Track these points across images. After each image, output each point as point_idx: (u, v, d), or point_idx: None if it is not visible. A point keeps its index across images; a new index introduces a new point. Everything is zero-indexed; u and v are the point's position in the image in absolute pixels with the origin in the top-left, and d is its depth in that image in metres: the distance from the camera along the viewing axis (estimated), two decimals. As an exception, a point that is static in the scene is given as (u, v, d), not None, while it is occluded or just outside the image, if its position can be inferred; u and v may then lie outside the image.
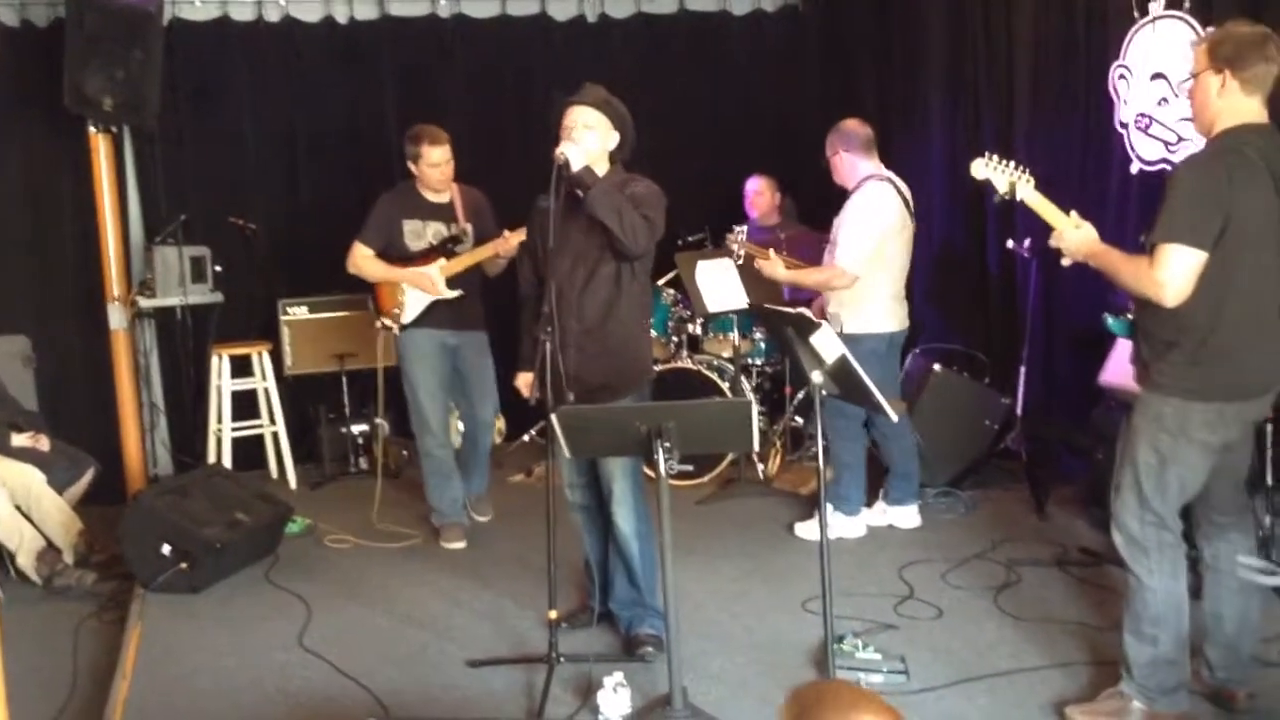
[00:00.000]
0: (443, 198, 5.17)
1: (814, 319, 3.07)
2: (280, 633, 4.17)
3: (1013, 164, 3.42)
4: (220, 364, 6.16)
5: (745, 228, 5.37)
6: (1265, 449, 3.82)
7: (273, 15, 6.74)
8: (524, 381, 4.00)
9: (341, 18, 6.87)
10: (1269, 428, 3.80)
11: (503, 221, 5.12)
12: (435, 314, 5.10)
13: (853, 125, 4.89)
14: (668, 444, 3.09)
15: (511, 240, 4.85)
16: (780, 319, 3.27)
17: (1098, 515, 4.83)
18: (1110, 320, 3.80)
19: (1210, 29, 4.02)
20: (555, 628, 3.65)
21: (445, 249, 5.09)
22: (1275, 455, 3.86)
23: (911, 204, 4.95)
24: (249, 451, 6.38)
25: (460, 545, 5.16)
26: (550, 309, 3.53)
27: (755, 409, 3.06)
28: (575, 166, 3.57)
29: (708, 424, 3.16)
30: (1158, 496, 3.01)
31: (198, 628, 4.24)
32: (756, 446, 3.23)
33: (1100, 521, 4.78)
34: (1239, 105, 2.95)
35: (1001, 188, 3.39)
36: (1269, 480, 3.89)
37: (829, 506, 4.96)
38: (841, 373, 3.06)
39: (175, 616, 4.34)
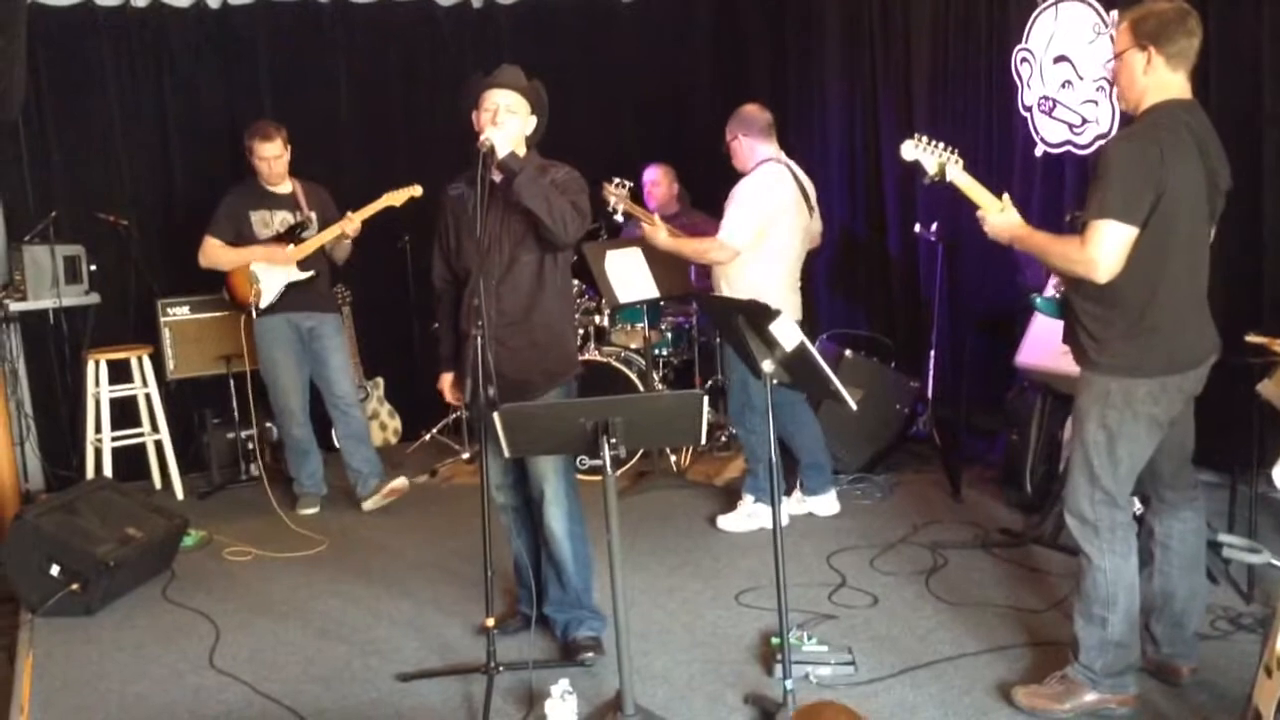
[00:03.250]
0: (284, 189, 5.47)
1: (770, 307, 2.98)
2: (188, 654, 3.91)
3: (942, 145, 3.38)
4: (97, 369, 5.77)
5: (628, 183, 5.22)
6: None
7: (140, 0, 6.35)
8: (447, 383, 3.81)
9: (214, 2, 6.53)
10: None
11: (381, 213, 5.36)
12: (289, 298, 5.37)
13: (752, 110, 4.84)
14: (614, 440, 2.98)
15: (355, 220, 5.26)
16: (730, 307, 3.17)
17: (1014, 496, 4.91)
18: (1038, 300, 3.80)
19: (1115, 15, 4.10)
20: (492, 635, 3.48)
21: (293, 235, 5.37)
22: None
23: (810, 194, 4.91)
24: (130, 462, 6.02)
25: (313, 511, 5.51)
26: (480, 302, 3.36)
27: (705, 401, 2.96)
28: (501, 153, 3.42)
29: (657, 418, 3.05)
30: (1108, 473, 3.02)
31: (97, 654, 3.95)
32: (704, 439, 3.12)
33: (1016, 502, 4.87)
34: (1165, 81, 2.97)
35: (931, 169, 3.35)
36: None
37: (748, 497, 4.95)
38: (798, 360, 2.98)
39: (70, 642, 4.03)
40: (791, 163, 4.89)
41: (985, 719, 3.18)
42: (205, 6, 6.51)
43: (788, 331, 2.92)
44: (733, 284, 4.73)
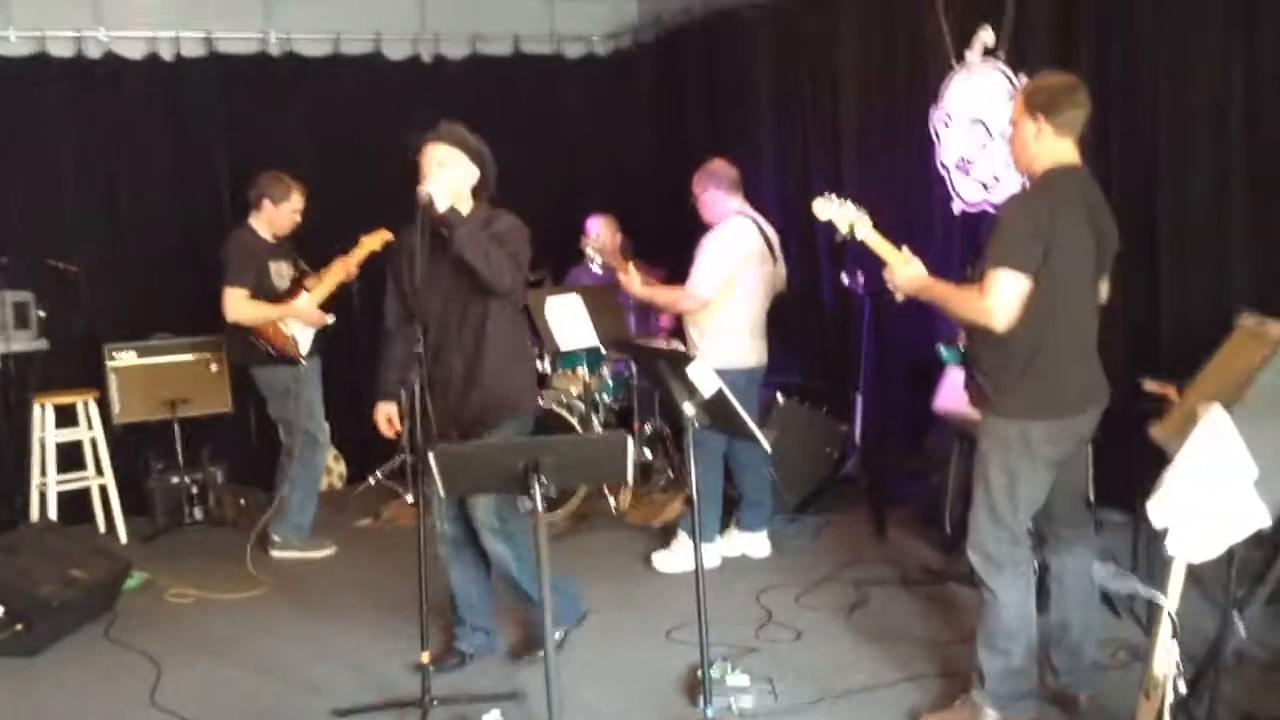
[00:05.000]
0: (275, 238, 5.56)
1: (687, 353, 3.18)
2: (129, 692, 4.00)
3: (851, 204, 3.58)
4: (44, 413, 5.84)
5: (603, 234, 5.43)
6: (1087, 466, 4.14)
7: (94, 51, 6.49)
8: (383, 414, 3.96)
9: (167, 54, 6.67)
10: (1088, 447, 4.11)
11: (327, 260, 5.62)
12: (317, 341, 5.56)
13: (719, 165, 5.09)
14: (544, 479, 3.14)
15: (352, 262, 5.48)
16: (653, 354, 3.37)
17: (935, 535, 5.11)
18: (943, 350, 4.03)
19: (1024, 80, 4.38)
20: (427, 670, 3.61)
21: (300, 284, 5.50)
22: (1096, 472, 4.18)
23: (774, 244, 5.15)
24: (75, 506, 6.05)
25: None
26: (422, 350, 3.53)
27: (630, 441, 3.13)
28: (440, 207, 3.60)
29: (584, 457, 3.22)
30: (1010, 514, 3.23)
31: (39, 692, 4.03)
32: (631, 478, 3.29)
33: (938, 541, 5.07)
34: (1054, 148, 3.22)
35: (842, 228, 3.55)
36: (1091, 496, 4.20)
37: (682, 534, 5.11)
38: (716, 404, 3.18)
39: (12, 681, 4.12)
40: (757, 215, 5.12)
41: (895, 744, 3.36)
42: (158, 58, 6.65)
43: (704, 377, 3.11)
44: (702, 330, 4.96)
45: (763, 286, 5.04)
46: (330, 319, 5.58)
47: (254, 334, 5.39)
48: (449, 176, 3.72)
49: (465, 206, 3.74)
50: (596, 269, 5.18)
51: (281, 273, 5.51)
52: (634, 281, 5.09)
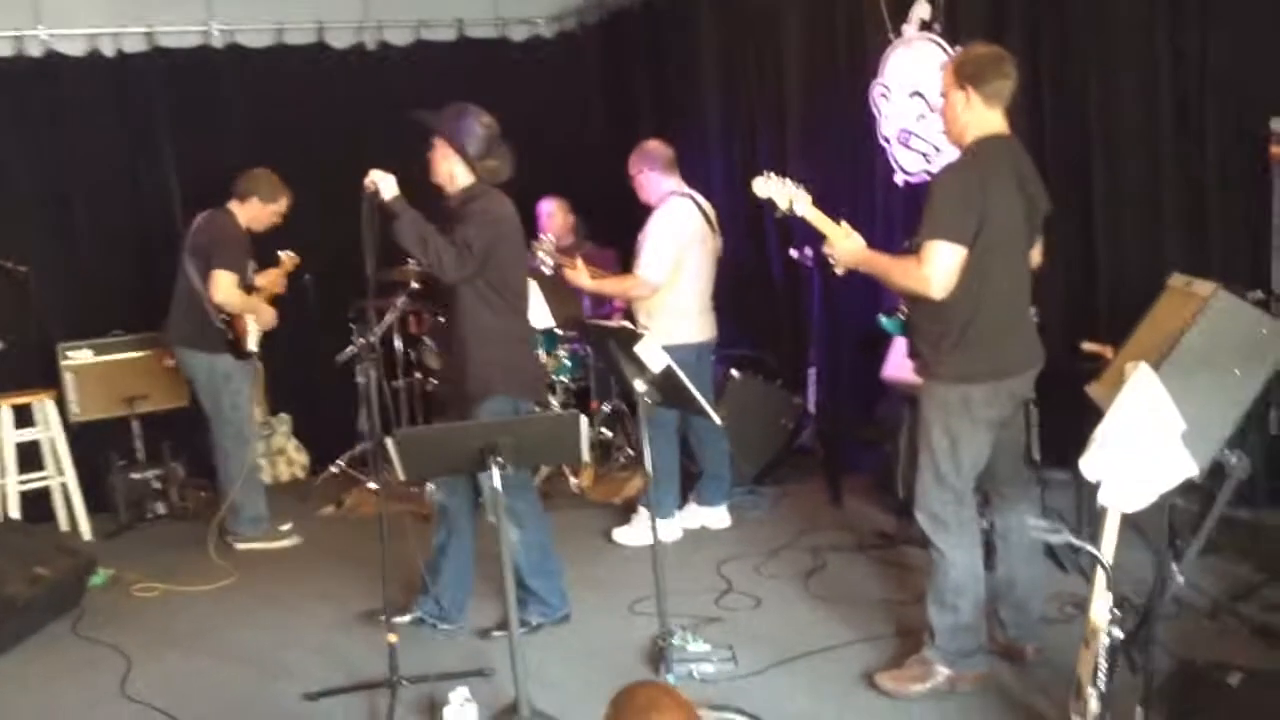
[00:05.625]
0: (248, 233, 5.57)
1: (636, 331, 3.25)
2: (99, 686, 4.04)
3: (789, 181, 3.66)
4: (0, 415, 5.83)
5: (553, 236, 5.48)
6: (1029, 427, 4.26)
7: (34, 50, 6.45)
8: None
9: (108, 50, 6.65)
10: (1032, 407, 4.24)
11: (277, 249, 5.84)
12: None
13: (655, 145, 5.14)
14: (500, 460, 3.21)
15: (286, 263, 5.75)
16: (603, 332, 3.45)
17: (889, 501, 5.23)
18: (884, 320, 4.10)
19: (959, 48, 4.47)
20: (395, 650, 3.68)
21: (253, 285, 5.59)
22: (1040, 431, 4.32)
23: (714, 220, 5.22)
24: (36, 505, 6.04)
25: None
26: (373, 337, 3.60)
27: (584, 421, 3.21)
28: (386, 195, 3.65)
29: (539, 438, 3.30)
30: (953, 474, 3.34)
31: (6, 691, 4.06)
32: (586, 457, 3.37)
33: (891, 507, 5.19)
34: (983, 117, 3.32)
35: (782, 205, 3.64)
36: (1036, 455, 4.34)
37: (643, 510, 5.20)
38: (666, 381, 3.26)
39: (-19, 681, 4.13)
40: (694, 193, 5.18)
41: (850, 700, 3.48)
42: (100, 55, 6.63)
43: (653, 354, 3.19)
44: (651, 310, 5.03)
45: (706, 263, 5.12)
46: (274, 323, 5.69)
47: (228, 321, 5.43)
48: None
49: (455, 185, 3.81)
50: (548, 270, 5.26)
51: (253, 268, 5.62)
52: (582, 276, 5.14)
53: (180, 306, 5.51)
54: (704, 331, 5.10)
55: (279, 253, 5.78)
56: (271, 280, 5.72)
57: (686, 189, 5.16)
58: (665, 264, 4.93)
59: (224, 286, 5.31)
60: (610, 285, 5.19)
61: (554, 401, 6.12)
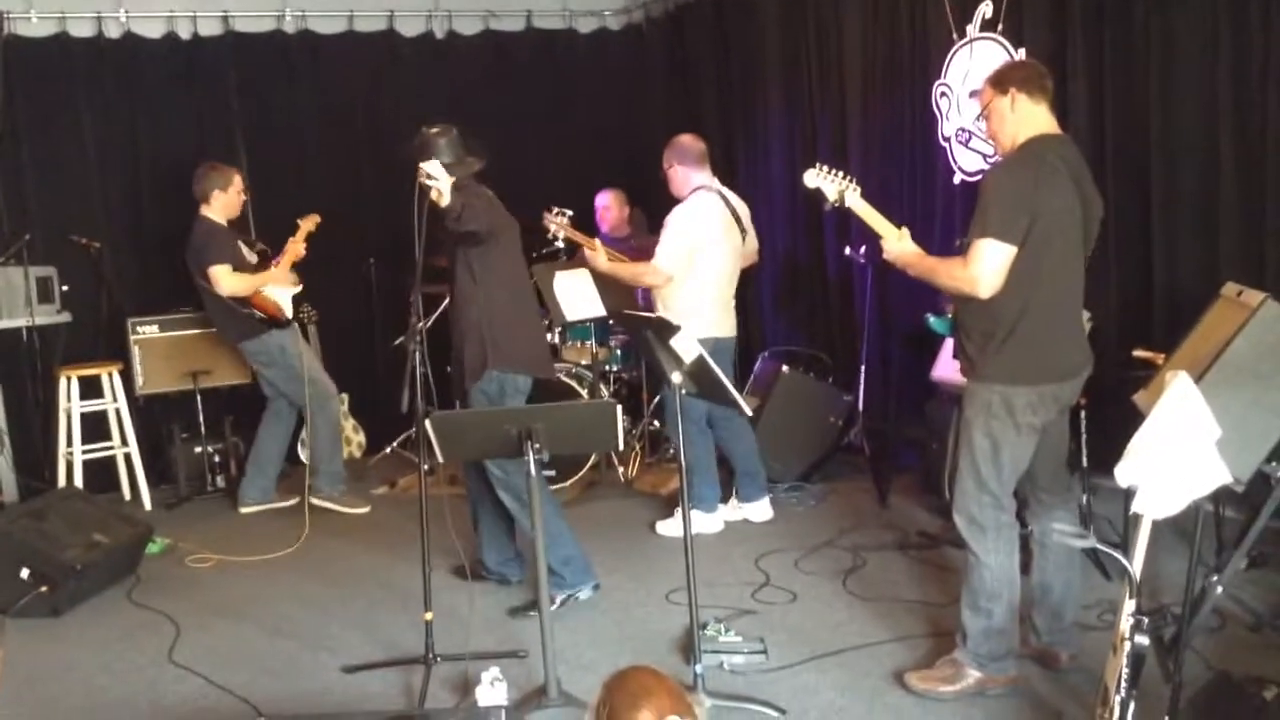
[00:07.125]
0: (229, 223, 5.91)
1: (672, 323, 3.28)
2: (148, 650, 4.17)
3: (841, 174, 3.64)
4: (69, 385, 6.03)
5: (569, 211, 5.47)
6: (1080, 433, 4.22)
7: (113, 31, 6.65)
8: None
9: (184, 33, 6.83)
10: (1083, 414, 4.20)
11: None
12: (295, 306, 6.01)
13: (686, 140, 5.15)
14: (537, 445, 3.26)
15: (306, 225, 5.95)
16: (640, 323, 3.47)
17: (934, 502, 5.21)
18: (932, 319, 4.09)
19: (1022, 53, 4.43)
20: (430, 628, 3.76)
21: (268, 258, 5.93)
22: (1089, 439, 4.27)
23: (743, 217, 5.22)
24: (101, 474, 6.26)
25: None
26: (416, 318, 3.67)
27: (619, 409, 3.24)
28: (444, 200, 3.77)
29: (575, 425, 3.35)
30: (994, 478, 3.31)
31: (62, 650, 4.20)
32: (621, 445, 3.40)
33: (936, 507, 5.16)
34: (1032, 115, 3.27)
35: (831, 196, 3.61)
36: (1084, 462, 4.29)
37: (687, 504, 5.22)
38: (699, 372, 3.28)
39: (37, 640, 4.28)
40: (724, 189, 5.19)
41: (879, 698, 3.47)
42: (176, 37, 6.81)
43: (687, 346, 3.21)
44: (668, 304, 5.04)
45: (729, 260, 5.11)
46: (300, 287, 5.96)
47: (248, 304, 5.69)
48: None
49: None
50: (559, 244, 5.29)
51: (247, 251, 5.87)
52: (600, 257, 5.19)
53: (216, 314, 5.82)
54: (720, 328, 5.07)
55: (298, 220, 6.01)
56: (289, 255, 5.91)
57: (718, 185, 5.17)
58: (677, 255, 4.95)
59: (223, 279, 5.61)
60: (624, 269, 5.24)
61: (605, 391, 6.16)
